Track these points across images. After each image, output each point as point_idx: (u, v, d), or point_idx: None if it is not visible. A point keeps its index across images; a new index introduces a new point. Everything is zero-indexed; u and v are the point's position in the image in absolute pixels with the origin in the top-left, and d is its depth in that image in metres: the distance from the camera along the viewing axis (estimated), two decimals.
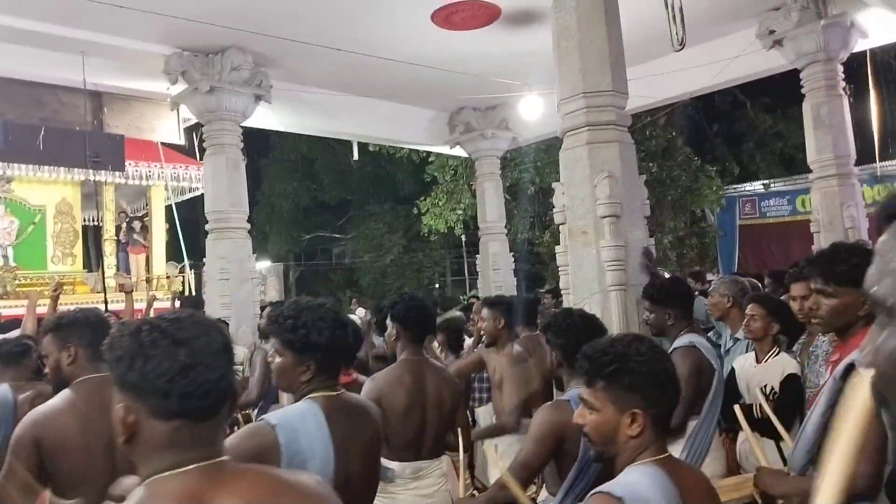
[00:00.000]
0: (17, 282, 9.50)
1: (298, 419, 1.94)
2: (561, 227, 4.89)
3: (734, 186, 16.76)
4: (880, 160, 10.35)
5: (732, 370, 3.73)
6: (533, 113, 8.85)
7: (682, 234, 16.00)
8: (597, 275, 4.53)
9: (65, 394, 2.37)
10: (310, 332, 2.00)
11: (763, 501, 2.27)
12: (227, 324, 5.91)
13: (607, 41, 4.74)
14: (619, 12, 4.91)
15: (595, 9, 4.75)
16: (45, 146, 7.19)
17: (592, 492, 1.60)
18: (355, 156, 11.34)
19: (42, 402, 2.77)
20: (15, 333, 4.49)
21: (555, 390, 4.10)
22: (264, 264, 19.98)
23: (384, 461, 2.96)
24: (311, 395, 2.04)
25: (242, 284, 7.17)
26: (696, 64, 7.14)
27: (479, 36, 7.12)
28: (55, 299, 4.96)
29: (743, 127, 17.91)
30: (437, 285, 24.72)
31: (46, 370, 2.54)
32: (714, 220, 16.61)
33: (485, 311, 4.23)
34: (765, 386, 3.43)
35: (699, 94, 9.79)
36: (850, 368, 1.83)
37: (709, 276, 10.71)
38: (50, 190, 10.15)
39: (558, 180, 4.96)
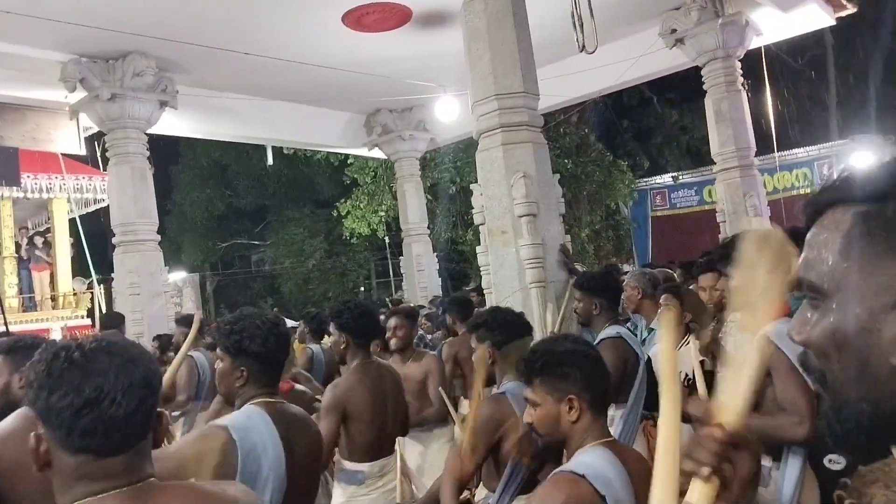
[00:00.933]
0: None
1: (246, 419, 1.99)
2: (481, 227, 4.94)
3: (645, 180, 17.38)
4: (778, 150, 10.95)
5: (650, 359, 3.87)
6: (449, 114, 8.89)
7: (598, 227, 16.47)
8: (517, 273, 4.61)
9: (13, 419, 2.24)
10: (243, 338, 2.07)
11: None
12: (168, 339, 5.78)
13: (517, 43, 4.81)
14: (528, 14, 4.99)
15: (503, 11, 4.81)
16: None
17: (553, 472, 1.71)
18: (270, 160, 11.13)
19: None
20: None
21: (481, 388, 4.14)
22: (179, 276, 19.26)
23: (353, 465, 3.11)
24: (252, 402, 2.08)
25: (154, 299, 6.89)
26: (604, 63, 7.35)
27: (392, 38, 7.10)
28: None
29: (651, 122, 18.62)
30: (361, 288, 24.50)
31: None
32: (628, 213, 17.18)
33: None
34: (680, 373, 3.57)
35: (609, 92, 10.10)
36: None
37: (625, 268, 11.06)
38: None
39: (477, 181, 5.01)
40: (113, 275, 7.03)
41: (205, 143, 19.41)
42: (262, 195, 23.28)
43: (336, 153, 14.68)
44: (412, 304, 7.47)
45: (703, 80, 7.36)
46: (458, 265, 18.11)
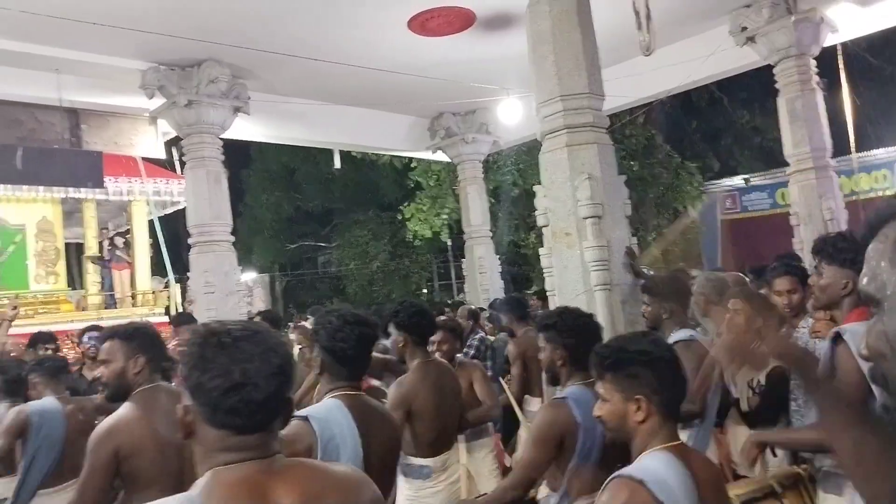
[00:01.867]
0: None
1: (325, 411, 2.12)
2: (543, 229, 4.93)
3: (715, 182, 16.90)
4: (857, 151, 10.48)
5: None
6: (512, 116, 8.90)
7: (665, 231, 16.12)
8: (581, 275, 4.57)
9: (130, 404, 2.50)
10: (317, 331, 2.29)
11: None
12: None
13: (582, 44, 4.78)
14: (593, 15, 4.96)
15: (569, 13, 4.80)
16: (24, 165, 7.11)
17: (611, 476, 1.69)
18: (337, 164, 11.34)
19: (86, 414, 3.10)
20: None
21: (545, 386, 4.15)
22: (250, 276, 19.88)
23: (419, 460, 3.22)
24: (332, 394, 2.21)
25: (228, 297, 7.14)
26: (672, 62, 7.22)
27: (456, 41, 7.16)
28: (11, 319, 4.86)
29: (721, 123, 18.07)
30: (424, 290, 24.69)
31: (100, 377, 2.60)
32: (697, 216, 16.75)
33: None
34: (751, 379, 3.47)
35: (676, 92, 9.89)
36: (838, 336, 2.10)
37: (693, 272, 10.77)
38: (30, 209, 10.05)
39: (540, 182, 5.00)
40: (188, 274, 7.32)
41: (275, 148, 19.96)
42: (329, 198, 23.77)
43: (400, 157, 14.87)
44: (474, 307, 7.51)
45: (775, 79, 7.13)
46: (520, 268, 18.02)
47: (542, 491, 2.80)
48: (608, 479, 1.70)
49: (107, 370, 2.55)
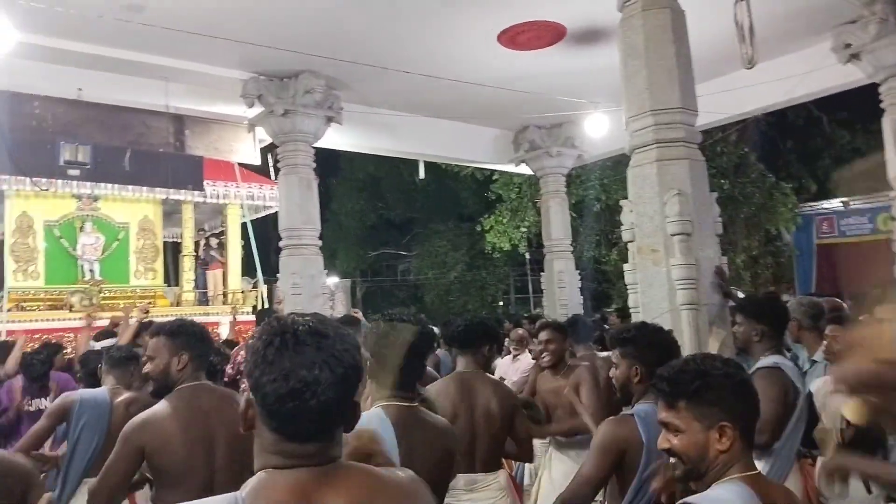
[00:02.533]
0: (101, 295, 10.03)
1: (364, 420, 2.01)
2: (629, 245, 4.86)
3: (811, 204, 16.13)
4: None
5: (810, 393, 3.62)
6: (599, 130, 8.83)
7: (755, 253, 15.50)
8: (667, 294, 4.48)
9: (167, 400, 2.56)
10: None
11: None
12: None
13: (675, 58, 4.71)
14: (688, 29, 4.88)
15: (663, 27, 4.74)
16: (131, 167, 7.61)
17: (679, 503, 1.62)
18: (421, 174, 11.54)
19: (136, 408, 3.03)
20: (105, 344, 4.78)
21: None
22: (333, 280, 20.41)
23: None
24: (382, 405, 2.13)
25: (314, 300, 7.38)
26: (768, 79, 6.99)
27: (545, 55, 7.18)
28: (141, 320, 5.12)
29: (819, 143, 17.25)
30: (500, 303, 24.66)
31: (148, 370, 2.66)
32: (790, 239, 16.03)
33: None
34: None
35: (772, 110, 9.54)
36: None
37: (784, 297, 10.32)
38: (133, 208, 10.69)
39: (625, 197, 4.94)
40: (277, 276, 7.61)
41: (361, 157, 20.49)
42: (411, 208, 24.18)
43: (482, 169, 14.96)
44: (551, 321, 7.45)
45: (880, 98, 6.78)
46: (601, 285, 17.74)
47: None
48: None
49: (151, 366, 2.62)
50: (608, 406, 3.93)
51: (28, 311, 9.52)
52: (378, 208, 24.74)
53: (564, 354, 4.27)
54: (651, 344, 2.60)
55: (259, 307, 10.59)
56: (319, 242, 7.67)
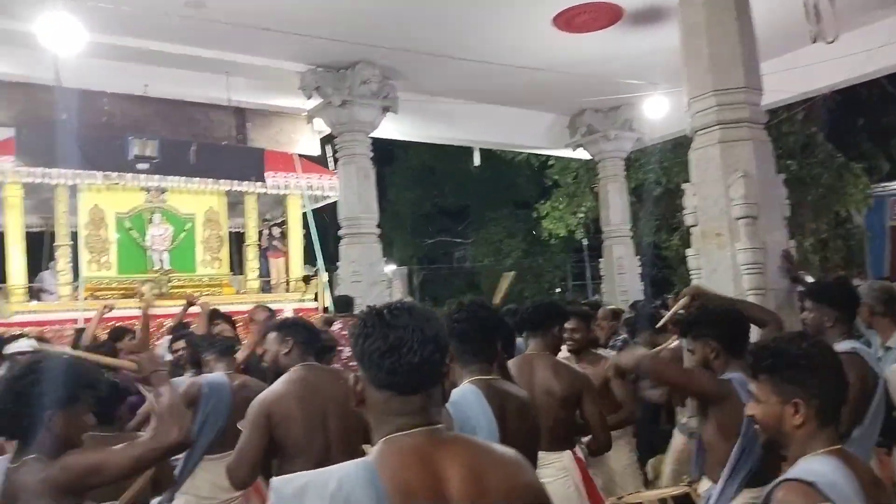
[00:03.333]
0: (170, 284, 10.39)
1: (458, 395, 2.17)
2: (692, 229, 4.76)
3: (883, 185, 15.38)
4: None
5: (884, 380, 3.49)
6: (658, 112, 8.64)
7: (824, 236, 14.91)
8: (732, 279, 4.38)
9: (282, 380, 2.88)
10: (447, 321, 2.30)
11: None
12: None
13: (739, 36, 4.57)
14: (751, 4, 4.72)
15: (725, 4, 4.60)
16: (196, 160, 7.86)
17: (778, 480, 1.66)
18: (476, 162, 11.52)
19: (247, 391, 3.40)
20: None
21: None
22: (390, 268, 20.64)
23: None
24: (470, 379, 2.28)
25: (372, 287, 7.50)
26: (837, 55, 6.69)
27: (602, 37, 7.06)
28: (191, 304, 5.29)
29: (893, 120, 16.42)
30: (557, 290, 24.48)
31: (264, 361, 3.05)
32: (862, 222, 15.34)
33: None
34: None
35: (842, 87, 9.14)
36: None
37: (855, 282, 9.92)
38: (199, 200, 10.99)
39: (687, 180, 4.84)
40: (338, 264, 7.76)
41: (416, 146, 20.54)
42: (466, 195, 24.17)
43: (537, 154, 14.83)
44: (613, 307, 7.36)
45: None
46: (661, 271, 17.37)
47: (704, 484, 2.73)
48: (774, 483, 1.65)
49: (268, 356, 3.11)
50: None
51: (102, 299, 9.95)
52: (433, 196, 24.81)
53: (586, 343, 4.22)
54: (719, 321, 2.70)
55: (320, 294, 10.80)
56: (378, 231, 7.78)
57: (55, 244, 10.21)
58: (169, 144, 7.71)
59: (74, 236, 10.50)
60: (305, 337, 3.02)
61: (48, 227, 11.27)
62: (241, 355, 4.51)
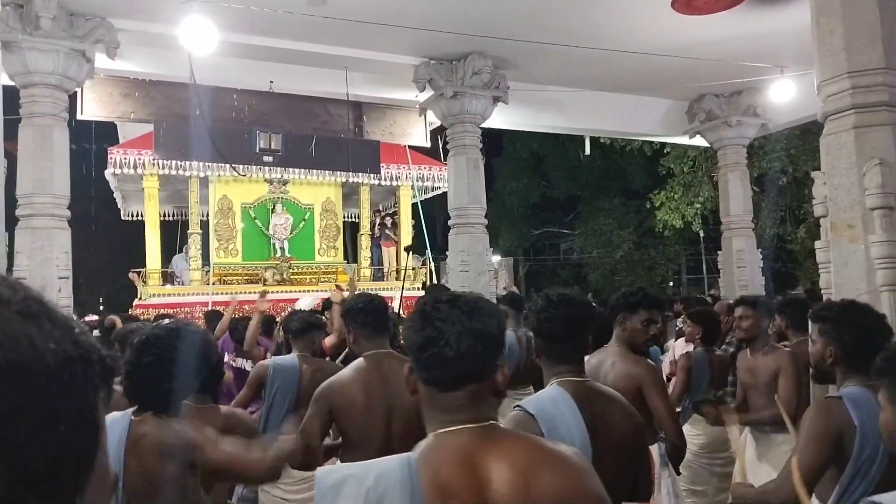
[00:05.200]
0: (291, 270, 10.98)
1: (551, 404, 2.00)
2: (821, 220, 4.49)
3: None
4: None
5: None
6: (785, 96, 8.16)
7: None
8: (864, 273, 4.09)
9: (352, 367, 2.83)
10: (529, 313, 2.27)
11: None
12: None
13: (878, 13, 4.24)
14: None
15: None
16: (316, 153, 8.22)
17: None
18: (587, 151, 11.33)
19: (323, 374, 3.35)
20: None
21: (812, 386, 3.80)
22: (496, 258, 20.70)
23: None
24: (559, 381, 2.11)
25: (480, 276, 7.58)
26: None
27: (724, 18, 6.74)
28: (262, 311, 5.44)
29: None
30: (670, 283, 23.68)
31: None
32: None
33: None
34: None
35: None
36: None
37: None
38: (317, 191, 11.55)
39: (815, 169, 4.56)
40: (447, 253, 7.90)
41: (524, 136, 20.51)
42: (575, 185, 23.83)
43: (651, 143, 14.38)
44: (730, 302, 7.06)
45: None
46: (785, 265, 16.43)
47: (814, 502, 2.59)
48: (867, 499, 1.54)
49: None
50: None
51: (228, 284, 10.65)
52: (541, 186, 24.63)
53: (760, 332, 4.08)
54: (852, 325, 2.40)
55: (429, 283, 11.05)
56: (485, 221, 7.85)
57: (188, 232, 11.01)
58: (292, 138, 8.11)
59: (204, 225, 11.27)
60: (364, 322, 2.86)
61: (181, 215, 12.18)
62: (329, 340, 4.64)
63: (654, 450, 3.13)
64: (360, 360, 2.81)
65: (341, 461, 2.74)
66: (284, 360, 3.90)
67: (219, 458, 2.14)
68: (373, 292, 3.65)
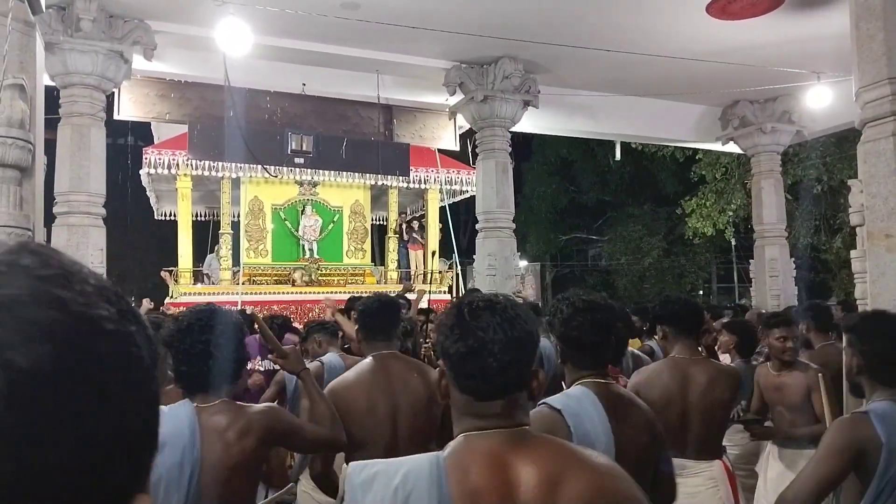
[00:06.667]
0: (319, 272, 11.06)
1: (576, 402, 1.99)
2: (858, 229, 4.39)
3: None
4: None
5: None
6: (821, 103, 8.02)
7: None
8: None
9: (357, 367, 2.82)
10: (551, 316, 2.19)
11: None
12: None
13: None
14: None
15: None
16: (347, 155, 8.28)
17: None
18: (618, 156, 11.26)
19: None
20: None
21: (846, 398, 3.70)
22: (522, 263, 20.62)
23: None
24: (582, 382, 2.09)
25: (507, 280, 7.56)
26: None
27: (760, 23, 6.66)
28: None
29: None
30: (700, 292, 23.35)
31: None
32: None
33: None
34: None
35: None
36: None
37: None
38: (346, 193, 11.62)
39: (851, 177, 4.47)
40: (473, 257, 7.89)
41: (554, 140, 20.39)
42: (604, 191, 23.62)
43: (683, 149, 14.22)
44: (763, 311, 6.95)
45: None
46: (818, 275, 16.10)
47: None
48: None
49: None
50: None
51: (258, 284, 10.77)
52: (570, 192, 24.45)
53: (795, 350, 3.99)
54: (878, 335, 2.32)
55: (455, 286, 11.05)
56: (513, 225, 7.83)
57: (220, 232, 11.16)
58: (323, 140, 8.18)
59: (235, 226, 11.41)
60: (371, 323, 2.84)
61: (213, 216, 12.34)
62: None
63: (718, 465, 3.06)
64: (366, 361, 2.79)
65: (346, 462, 2.70)
66: (330, 357, 3.96)
67: (293, 422, 2.32)
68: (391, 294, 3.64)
